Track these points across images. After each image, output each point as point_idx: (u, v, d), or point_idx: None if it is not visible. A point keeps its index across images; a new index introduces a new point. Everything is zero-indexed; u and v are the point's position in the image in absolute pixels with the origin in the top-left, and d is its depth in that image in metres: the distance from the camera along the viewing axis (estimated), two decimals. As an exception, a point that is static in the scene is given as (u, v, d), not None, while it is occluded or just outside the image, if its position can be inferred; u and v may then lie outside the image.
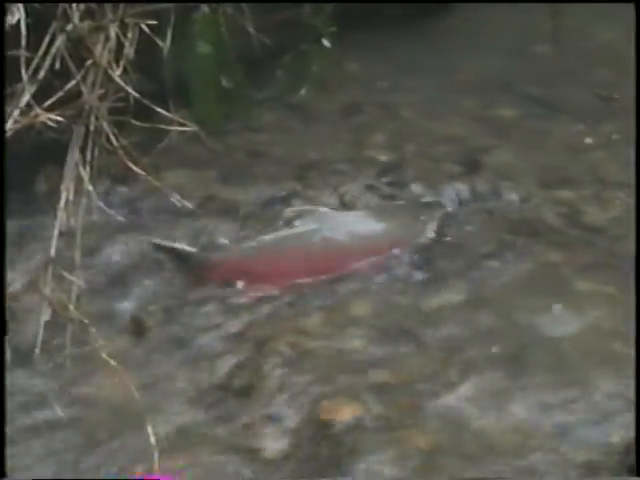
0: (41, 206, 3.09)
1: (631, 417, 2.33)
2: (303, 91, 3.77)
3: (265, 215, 3.15)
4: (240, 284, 2.88)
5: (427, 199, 3.16)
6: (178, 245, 2.95)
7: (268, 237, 2.93)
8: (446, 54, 4.05)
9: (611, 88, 3.69)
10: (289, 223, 2.95)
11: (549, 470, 2.28)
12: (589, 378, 2.50)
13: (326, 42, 3.75)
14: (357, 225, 3.00)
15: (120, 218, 2.85)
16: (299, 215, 2.97)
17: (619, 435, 2.33)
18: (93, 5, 2.81)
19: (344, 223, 2.98)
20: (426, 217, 3.06)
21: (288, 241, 2.92)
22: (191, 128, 2.97)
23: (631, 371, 2.43)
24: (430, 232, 3.04)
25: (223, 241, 2.99)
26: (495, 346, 2.63)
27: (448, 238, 3.03)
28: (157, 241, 2.95)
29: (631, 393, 2.38)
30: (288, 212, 3.00)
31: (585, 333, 2.66)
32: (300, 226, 2.95)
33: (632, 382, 2.39)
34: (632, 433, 2.29)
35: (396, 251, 2.97)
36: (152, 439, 2.26)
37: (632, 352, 2.49)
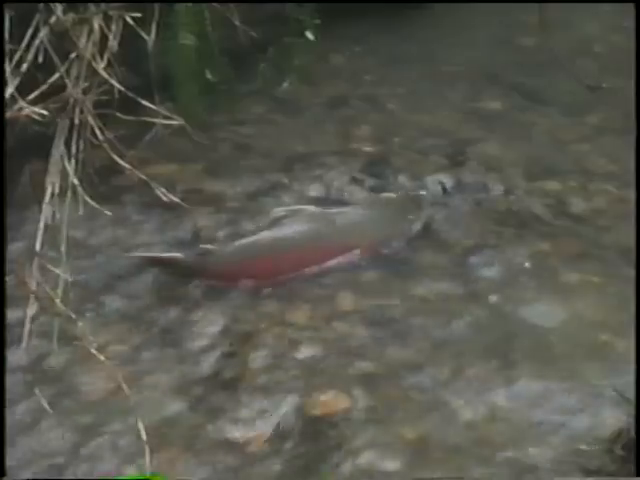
0: (26, 200, 3.07)
1: (619, 408, 2.33)
2: (286, 84, 3.76)
3: (251, 208, 3.14)
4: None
5: (414, 193, 3.16)
6: (162, 254, 2.90)
7: (250, 238, 2.90)
8: (432, 46, 4.05)
9: (596, 79, 3.69)
10: (276, 223, 2.93)
11: (537, 461, 2.29)
12: (576, 368, 2.51)
13: (310, 35, 3.74)
14: (343, 223, 2.98)
15: (106, 212, 2.83)
16: (286, 215, 2.95)
17: (607, 424, 2.33)
18: (77, -3, 2.79)
19: (330, 222, 2.96)
20: (413, 212, 3.05)
21: (273, 242, 2.89)
22: (176, 121, 2.96)
23: (620, 360, 2.44)
24: (416, 227, 3.03)
25: (206, 246, 2.94)
26: (482, 336, 2.64)
27: (434, 231, 3.02)
28: (139, 254, 2.90)
29: (618, 382, 2.38)
30: (275, 212, 2.98)
31: (572, 323, 2.67)
32: (286, 225, 2.93)
33: (620, 371, 2.40)
34: (620, 423, 2.30)
35: (381, 246, 2.96)
36: (142, 432, 2.25)
37: (628, 347, 2.49)
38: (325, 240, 2.94)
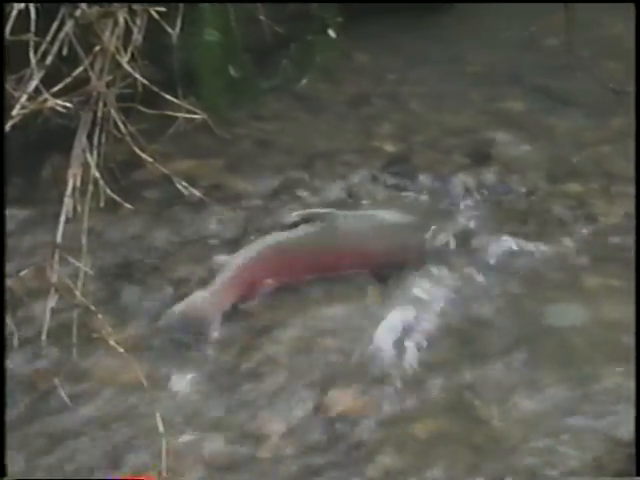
0: (48, 192, 3.08)
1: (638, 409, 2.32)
2: (305, 81, 3.76)
3: (271, 205, 3.14)
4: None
5: (442, 206, 3.11)
6: (189, 299, 2.73)
7: (267, 241, 2.84)
8: (455, 46, 4.04)
9: (622, 82, 3.67)
10: (294, 226, 2.88)
11: (553, 462, 2.28)
12: (596, 370, 2.50)
13: (332, 33, 3.74)
14: (361, 229, 2.91)
15: (127, 205, 2.83)
16: (305, 218, 2.91)
17: (625, 427, 2.32)
18: (102, -10, 2.80)
19: (349, 225, 2.89)
20: (436, 228, 2.95)
21: (289, 245, 2.84)
22: (199, 116, 2.96)
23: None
24: (438, 242, 2.95)
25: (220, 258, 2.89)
26: (502, 337, 2.63)
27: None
28: (175, 310, 2.71)
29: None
30: (294, 216, 2.94)
31: (593, 325, 2.66)
32: (304, 229, 2.86)
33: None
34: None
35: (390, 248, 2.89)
36: (160, 425, 2.26)
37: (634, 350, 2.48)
38: (340, 250, 2.85)
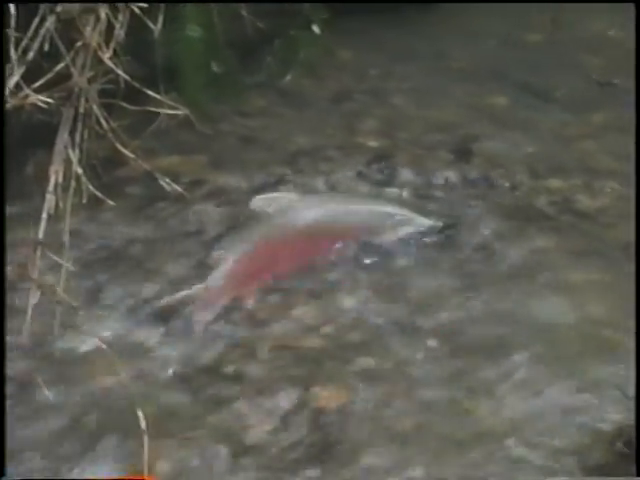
0: (30, 189, 3.06)
1: (621, 403, 2.33)
2: (289, 77, 3.75)
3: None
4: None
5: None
6: (178, 295, 2.73)
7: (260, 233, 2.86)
8: (438, 42, 4.04)
9: (605, 76, 3.69)
10: (258, 211, 2.90)
11: (537, 456, 2.29)
12: (580, 364, 2.50)
13: (316, 29, 3.74)
14: (324, 211, 2.95)
15: (110, 202, 2.82)
16: (268, 203, 2.93)
17: (609, 421, 2.33)
18: (84, -14, 2.78)
19: (312, 209, 2.93)
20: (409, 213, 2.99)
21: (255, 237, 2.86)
22: (181, 112, 2.95)
23: (622, 357, 2.44)
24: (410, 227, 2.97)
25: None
26: (486, 333, 2.63)
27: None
28: (162, 302, 2.73)
29: (621, 379, 2.38)
30: (256, 201, 2.95)
31: (577, 320, 2.66)
32: (267, 218, 2.89)
33: (622, 368, 2.40)
34: (621, 418, 2.29)
35: (367, 238, 2.92)
36: (142, 423, 2.25)
37: (630, 344, 2.49)
38: (306, 233, 2.88)
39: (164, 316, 2.69)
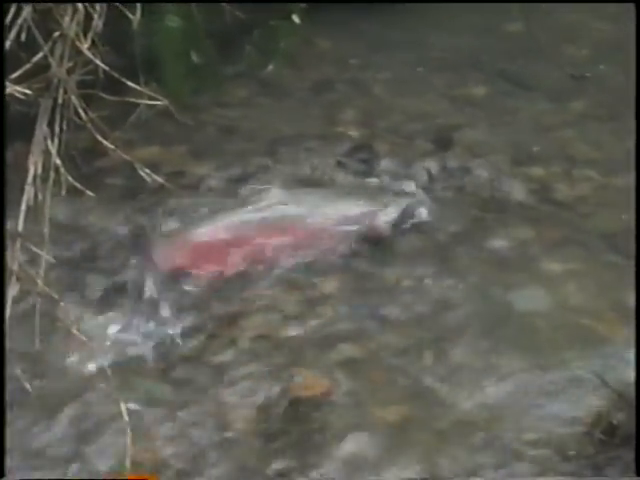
0: (8, 180, 3.04)
1: (600, 392, 2.35)
2: (270, 67, 3.75)
3: (235, 191, 3.14)
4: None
5: (395, 185, 3.14)
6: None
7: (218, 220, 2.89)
8: (417, 31, 4.04)
9: (581, 66, 3.70)
10: (244, 202, 2.91)
11: (516, 444, 2.30)
12: (559, 352, 2.52)
13: (296, 18, 3.73)
14: (308, 205, 2.96)
15: (89, 193, 2.81)
16: (253, 195, 2.94)
17: (587, 409, 2.34)
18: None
19: (296, 203, 2.95)
20: (387, 202, 3.01)
21: (238, 222, 2.88)
22: (161, 102, 2.94)
23: (601, 345, 2.46)
24: (388, 216, 2.99)
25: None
26: (465, 322, 2.65)
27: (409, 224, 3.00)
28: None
29: (599, 367, 2.40)
30: (244, 191, 2.96)
31: (555, 309, 2.68)
32: (252, 207, 2.92)
33: (601, 356, 2.42)
34: (600, 407, 2.31)
35: (351, 230, 2.94)
36: (124, 414, 2.25)
37: (608, 331, 2.51)
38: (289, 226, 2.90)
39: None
